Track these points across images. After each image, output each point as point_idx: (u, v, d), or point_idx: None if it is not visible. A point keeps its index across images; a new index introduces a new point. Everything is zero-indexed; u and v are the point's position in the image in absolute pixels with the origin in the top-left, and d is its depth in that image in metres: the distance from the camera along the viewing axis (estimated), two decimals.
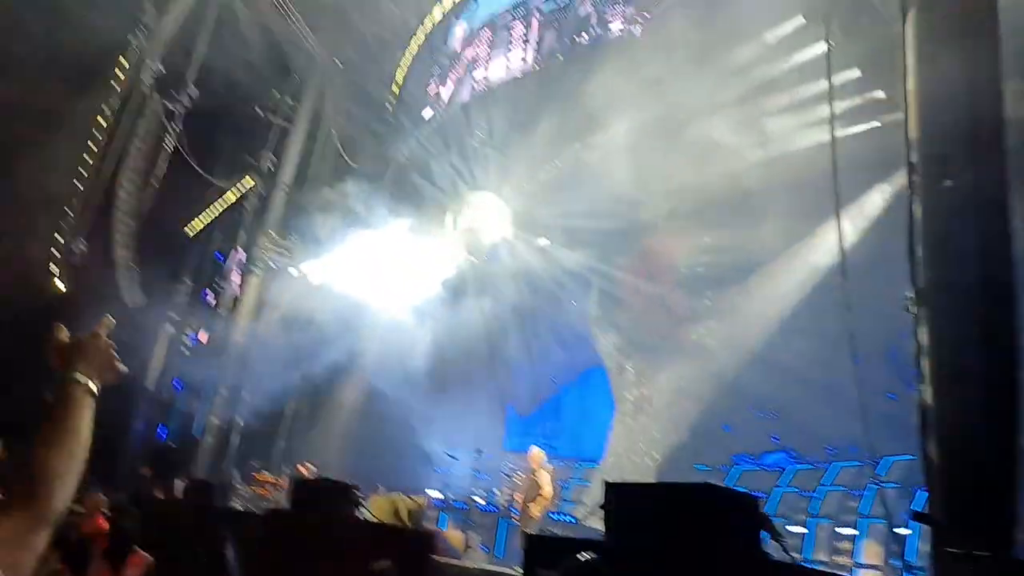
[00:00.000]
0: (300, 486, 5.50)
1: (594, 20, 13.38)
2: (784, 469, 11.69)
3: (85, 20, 13.85)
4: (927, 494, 4.50)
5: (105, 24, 14.41)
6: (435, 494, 13.20)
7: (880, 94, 9.32)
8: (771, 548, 2.82)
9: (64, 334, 1.23)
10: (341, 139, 17.18)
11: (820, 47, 8.10)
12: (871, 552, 8.80)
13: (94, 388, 1.17)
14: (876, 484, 5.58)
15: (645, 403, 14.64)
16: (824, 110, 7.94)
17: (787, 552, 3.06)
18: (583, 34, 13.47)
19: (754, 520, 2.72)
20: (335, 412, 16.30)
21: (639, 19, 12.59)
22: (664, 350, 14.78)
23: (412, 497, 10.61)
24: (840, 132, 7.46)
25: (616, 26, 12.95)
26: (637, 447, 13.84)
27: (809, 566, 7.37)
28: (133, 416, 15.75)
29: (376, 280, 15.20)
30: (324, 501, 4.92)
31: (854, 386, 5.75)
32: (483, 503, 12.55)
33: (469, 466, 14.85)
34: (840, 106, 8.44)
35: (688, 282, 14.85)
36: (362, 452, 14.68)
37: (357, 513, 5.18)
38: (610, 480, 3.32)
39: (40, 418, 1.10)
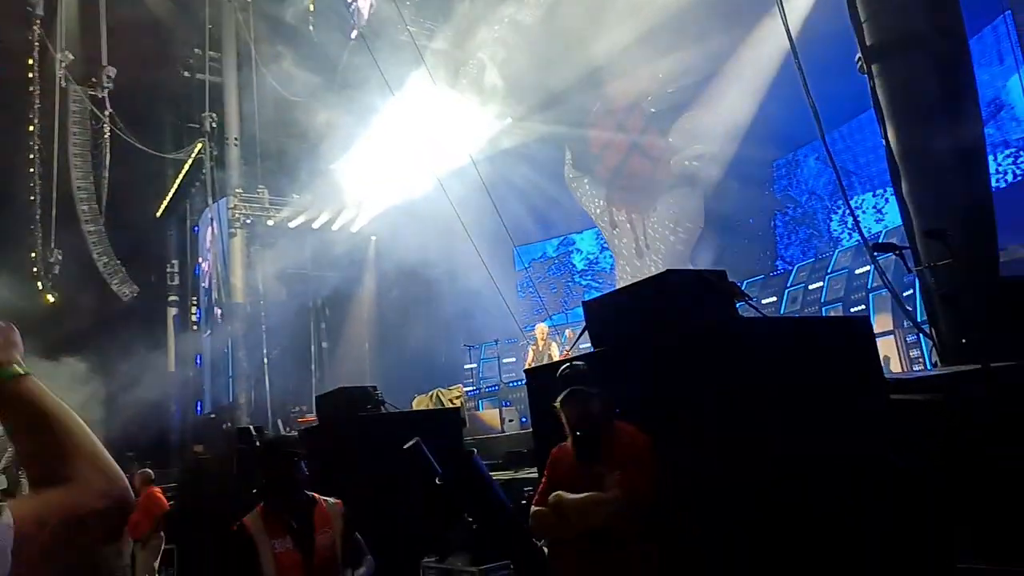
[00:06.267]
0: (320, 401, 5.71)
1: None
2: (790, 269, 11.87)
3: None
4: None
5: None
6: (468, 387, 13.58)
7: None
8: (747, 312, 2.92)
9: None
10: (274, 75, 16.48)
11: None
12: (881, 322, 9.13)
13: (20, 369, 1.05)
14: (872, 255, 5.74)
15: (643, 246, 14.76)
16: None
17: (760, 312, 3.18)
18: None
19: (720, 289, 2.81)
20: (356, 338, 16.62)
21: None
22: (652, 190, 14.73)
23: (449, 388, 11.07)
24: None
25: None
26: None
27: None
28: (168, 402, 16.17)
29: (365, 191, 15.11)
30: (346, 407, 5.12)
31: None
32: (512, 381, 13.00)
33: (494, 355, 15.31)
34: None
35: (657, 117, 14.61)
36: (389, 368, 15.02)
37: (383, 410, 5.39)
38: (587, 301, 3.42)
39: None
